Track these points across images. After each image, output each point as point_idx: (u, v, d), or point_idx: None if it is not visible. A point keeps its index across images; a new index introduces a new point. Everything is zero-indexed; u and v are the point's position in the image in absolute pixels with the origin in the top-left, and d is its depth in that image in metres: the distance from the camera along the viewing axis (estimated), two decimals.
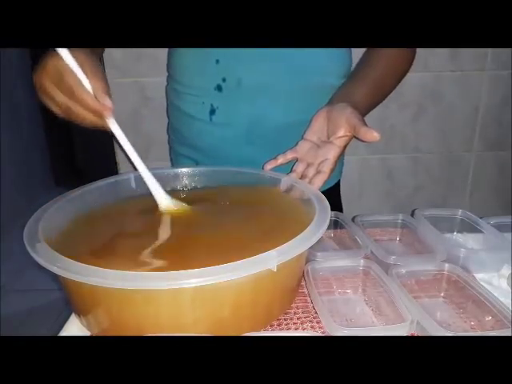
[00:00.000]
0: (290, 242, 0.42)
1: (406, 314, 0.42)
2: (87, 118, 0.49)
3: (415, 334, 0.43)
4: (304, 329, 0.45)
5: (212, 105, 0.68)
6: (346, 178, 1.16)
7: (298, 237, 0.43)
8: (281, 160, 0.61)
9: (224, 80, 0.66)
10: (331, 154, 0.58)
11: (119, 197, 0.59)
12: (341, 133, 0.57)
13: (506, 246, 0.55)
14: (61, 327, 0.47)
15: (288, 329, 0.45)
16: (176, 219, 0.54)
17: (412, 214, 0.64)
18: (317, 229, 0.44)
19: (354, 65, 0.73)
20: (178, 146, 0.78)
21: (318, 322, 0.46)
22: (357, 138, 0.57)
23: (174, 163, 0.82)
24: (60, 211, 0.52)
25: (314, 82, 0.68)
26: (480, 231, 0.60)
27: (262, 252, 0.40)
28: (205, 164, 0.72)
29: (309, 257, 0.53)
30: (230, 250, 0.44)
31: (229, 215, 0.57)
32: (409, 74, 1.07)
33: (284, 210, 0.57)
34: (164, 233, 0.52)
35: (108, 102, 0.48)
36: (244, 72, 0.66)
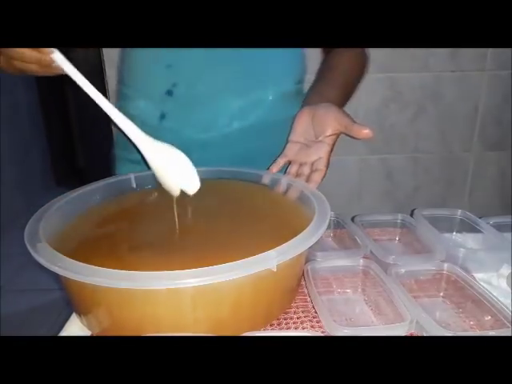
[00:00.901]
0: (289, 241, 0.42)
1: (406, 313, 0.42)
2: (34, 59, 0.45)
3: (414, 334, 0.43)
4: (304, 328, 0.45)
5: (162, 110, 0.67)
6: (346, 178, 1.17)
7: (298, 237, 0.43)
8: (275, 169, 0.62)
9: (175, 85, 0.65)
10: (323, 152, 0.58)
11: (120, 197, 0.59)
12: (329, 131, 0.58)
13: (506, 246, 0.55)
14: (61, 327, 0.47)
15: (288, 328, 0.46)
16: (175, 219, 0.54)
17: (411, 214, 0.64)
18: (316, 229, 0.45)
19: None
20: (124, 152, 0.74)
21: (317, 322, 0.46)
22: (349, 136, 0.58)
23: (118, 170, 0.76)
24: (61, 211, 0.52)
25: (267, 87, 0.67)
26: (479, 231, 0.60)
27: (261, 252, 0.40)
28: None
29: (308, 256, 0.53)
30: (230, 249, 0.44)
31: (228, 215, 0.57)
32: (409, 74, 1.08)
33: (284, 209, 0.57)
34: (164, 232, 0.52)
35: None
36: (195, 78, 0.65)
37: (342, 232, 0.63)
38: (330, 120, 0.57)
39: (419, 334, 0.43)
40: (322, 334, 0.42)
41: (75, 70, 0.47)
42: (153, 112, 0.67)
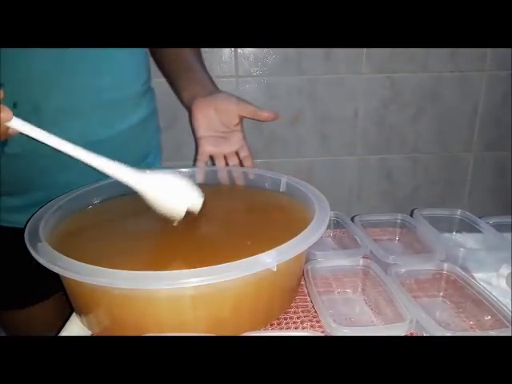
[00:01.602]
0: (289, 241, 0.42)
1: (405, 313, 0.42)
2: None
3: (414, 334, 0.43)
4: (304, 328, 0.45)
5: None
6: (345, 178, 1.17)
7: (298, 236, 0.43)
8: (202, 167, 0.64)
9: (15, 106, 0.55)
10: (240, 139, 0.64)
11: (120, 197, 0.59)
12: (237, 120, 0.62)
13: (505, 246, 0.55)
14: (61, 327, 0.47)
15: (288, 328, 0.46)
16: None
17: (411, 214, 0.64)
18: (316, 229, 0.45)
19: None
20: None
21: (317, 322, 0.46)
22: (255, 120, 0.62)
23: None
24: (61, 211, 0.52)
25: (119, 95, 0.63)
26: (479, 231, 0.60)
27: (261, 252, 0.40)
28: (13, 198, 0.62)
29: (308, 256, 0.53)
30: (230, 249, 0.44)
31: (228, 215, 0.57)
32: (408, 75, 1.08)
33: (283, 209, 0.57)
34: (164, 232, 0.52)
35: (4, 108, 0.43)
36: (40, 95, 0.57)
37: (342, 232, 0.63)
38: (234, 109, 0.62)
39: (419, 334, 0.43)
40: (321, 334, 0.43)
41: (36, 128, 0.45)
42: None
